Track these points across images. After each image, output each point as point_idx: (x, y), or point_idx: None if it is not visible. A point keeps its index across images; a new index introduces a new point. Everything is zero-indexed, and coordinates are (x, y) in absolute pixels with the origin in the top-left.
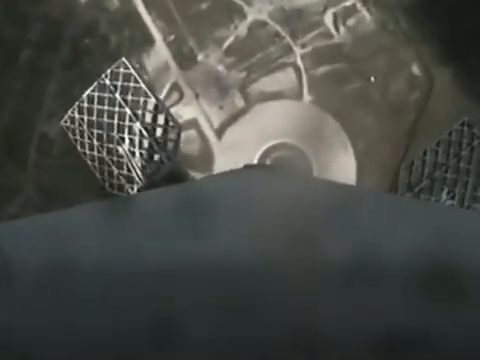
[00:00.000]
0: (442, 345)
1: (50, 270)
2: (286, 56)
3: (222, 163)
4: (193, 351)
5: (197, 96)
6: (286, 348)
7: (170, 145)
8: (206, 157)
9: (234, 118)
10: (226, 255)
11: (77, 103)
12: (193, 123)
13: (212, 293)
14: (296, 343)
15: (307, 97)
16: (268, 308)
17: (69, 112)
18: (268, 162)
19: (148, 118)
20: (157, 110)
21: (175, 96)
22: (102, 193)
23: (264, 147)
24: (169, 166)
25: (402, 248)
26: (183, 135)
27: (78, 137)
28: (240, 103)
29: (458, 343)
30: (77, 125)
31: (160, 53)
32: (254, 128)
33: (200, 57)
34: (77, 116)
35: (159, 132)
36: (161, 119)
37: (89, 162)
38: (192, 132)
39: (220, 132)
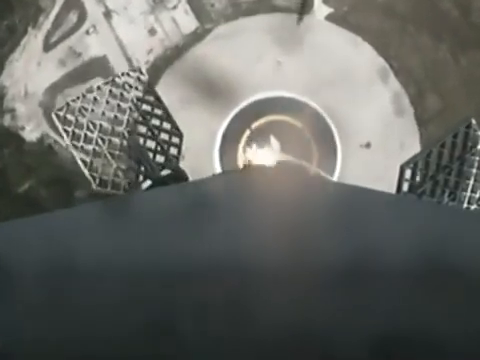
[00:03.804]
0: (442, 344)
1: (50, 270)
2: None
3: None
4: (193, 351)
5: (109, 14)
6: (286, 348)
7: (173, 150)
8: None
9: (177, 52)
10: (226, 256)
11: (82, 93)
12: (102, 65)
13: (212, 293)
14: (296, 343)
15: (321, 9)
16: (268, 308)
17: (69, 100)
18: (252, 131)
19: (155, 121)
20: (164, 117)
21: (72, 18)
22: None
23: (238, 108)
24: (170, 169)
25: (402, 249)
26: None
27: (71, 128)
28: (190, 22)
29: (458, 342)
30: (76, 114)
31: None
32: (216, 71)
33: None
34: (79, 105)
35: (163, 136)
36: (167, 125)
37: (78, 156)
38: None
39: (151, 79)
